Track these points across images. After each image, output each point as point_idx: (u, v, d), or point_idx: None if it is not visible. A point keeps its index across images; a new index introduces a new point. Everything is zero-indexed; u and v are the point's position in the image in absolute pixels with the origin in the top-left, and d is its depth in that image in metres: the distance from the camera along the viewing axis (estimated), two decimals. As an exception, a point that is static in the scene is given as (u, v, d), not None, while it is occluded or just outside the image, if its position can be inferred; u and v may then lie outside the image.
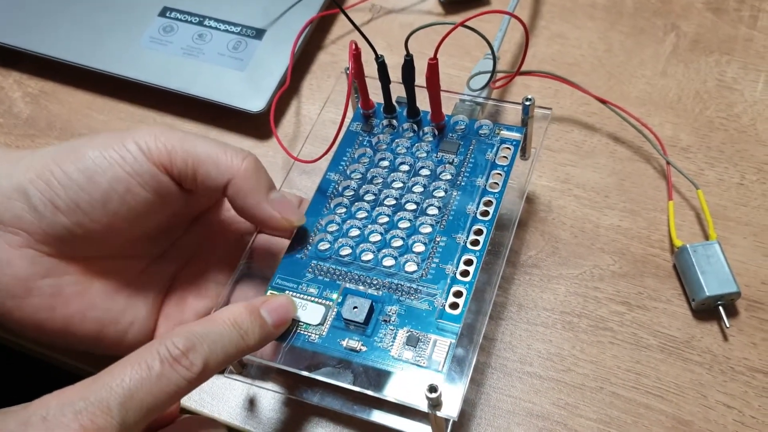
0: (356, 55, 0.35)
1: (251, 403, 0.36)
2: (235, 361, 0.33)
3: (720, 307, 0.37)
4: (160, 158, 0.31)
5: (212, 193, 0.33)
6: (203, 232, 0.37)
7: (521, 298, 0.39)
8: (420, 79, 0.36)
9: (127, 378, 0.26)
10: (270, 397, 0.36)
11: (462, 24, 0.32)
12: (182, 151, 0.32)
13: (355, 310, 0.32)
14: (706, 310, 0.37)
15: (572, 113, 0.45)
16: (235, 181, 0.32)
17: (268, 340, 0.31)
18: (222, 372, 0.34)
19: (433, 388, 0.29)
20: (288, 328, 0.32)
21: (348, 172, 0.37)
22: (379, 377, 0.31)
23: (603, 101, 0.44)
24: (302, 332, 0.32)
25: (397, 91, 0.38)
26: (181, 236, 0.36)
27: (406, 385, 0.30)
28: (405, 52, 0.34)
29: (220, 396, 0.36)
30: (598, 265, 0.39)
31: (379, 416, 0.33)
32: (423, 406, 0.29)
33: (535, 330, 0.38)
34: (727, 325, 0.36)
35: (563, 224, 0.41)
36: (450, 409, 0.29)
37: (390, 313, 0.32)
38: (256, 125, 0.46)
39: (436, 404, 0.29)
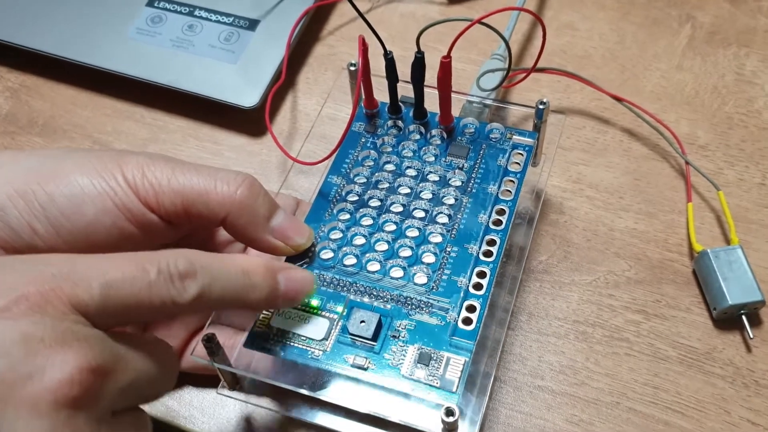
0: (365, 51, 0.33)
1: (247, 422, 0.34)
2: (228, 376, 0.31)
3: (743, 317, 0.35)
4: (147, 198, 0.29)
5: (207, 229, 0.30)
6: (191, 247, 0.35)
7: (531, 307, 0.37)
8: (429, 77, 0.33)
9: (120, 269, 0.24)
10: (266, 415, 0.34)
11: (479, 21, 0.30)
12: (170, 191, 0.29)
13: (363, 324, 0.30)
14: (728, 320, 0.36)
15: (584, 109, 0.43)
16: (230, 216, 0.30)
17: (270, 306, 0.29)
18: (216, 386, 0.32)
19: (450, 412, 0.27)
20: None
21: (351, 175, 0.35)
22: (389, 397, 0.29)
23: (617, 98, 0.42)
24: (304, 347, 0.30)
25: (402, 90, 0.36)
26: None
27: (418, 406, 0.28)
28: (407, 45, 0.32)
29: (211, 413, 0.34)
30: (612, 270, 0.38)
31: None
32: (437, 430, 0.27)
33: (546, 341, 0.36)
34: (751, 336, 0.35)
35: (575, 227, 0.39)
36: (466, 436, 0.27)
37: (399, 328, 0.30)
38: (250, 121, 0.44)
39: (452, 429, 0.27)
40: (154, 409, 0.35)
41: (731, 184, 0.40)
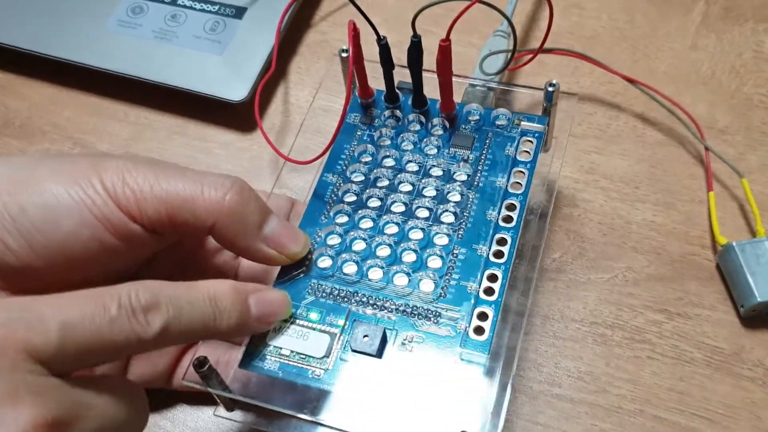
0: (356, 37, 0.30)
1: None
2: (225, 398, 0.29)
3: (773, 314, 0.32)
4: (128, 207, 0.27)
5: (194, 237, 0.28)
6: (178, 257, 0.32)
7: (546, 309, 0.34)
8: (427, 63, 0.31)
9: (78, 308, 0.22)
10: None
11: (479, 0, 0.27)
12: (153, 198, 0.27)
13: (366, 339, 0.27)
14: (757, 317, 0.33)
15: (594, 93, 0.41)
16: (219, 224, 0.27)
17: (243, 332, 0.27)
18: (212, 403, 0.30)
19: (463, 437, 0.24)
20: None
21: (348, 173, 0.32)
22: (398, 418, 0.26)
23: (629, 80, 0.40)
24: (304, 366, 0.27)
25: (399, 76, 0.33)
26: (154, 259, 0.31)
27: (430, 428, 0.26)
28: (404, 29, 0.29)
29: (210, 433, 0.32)
30: (631, 267, 0.35)
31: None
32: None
33: (563, 345, 0.33)
34: (782, 335, 0.32)
35: (590, 221, 0.37)
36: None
37: (406, 341, 0.28)
38: (239, 116, 0.41)
39: (465, 454, 0.25)
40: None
41: (754, 170, 0.37)
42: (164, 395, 0.32)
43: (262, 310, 0.27)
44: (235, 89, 0.40)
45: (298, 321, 0.28)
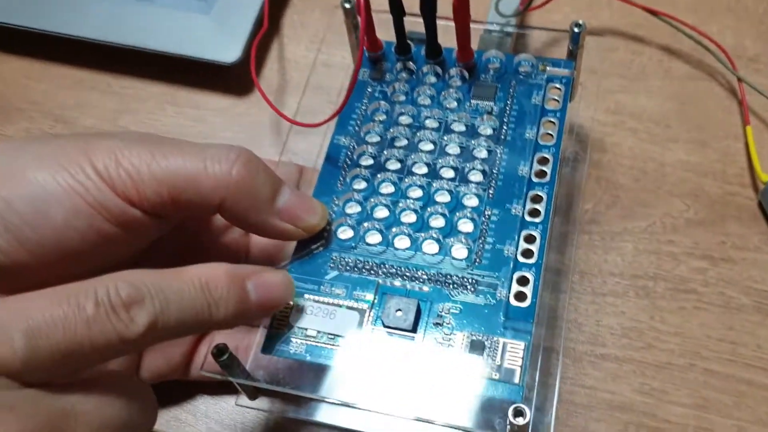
0: (362, -16, 0.27)
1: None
2: (248, 387, 0.27)
3: (824, 253, 0.30)
4: (125, 191, 0.24)
5: (201, 217, 0.25)
6: (182, 239, 0.30)
7: (582, 264, 0.32)
8: (441, 7, 0.28)
9: (45, 310, 0.20)
10: (295, 423, 0.30)
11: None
12: (152, 179, 0.24)
13: (399, 313, 0.25)
14: (806, 257, 0.31)
15: (614, 27, 0.38)
16: (227, 201, 0.25)
17: (242, 322, 0.25)
18: (234, 391, 0.28)
19: (519, 412, 0.22)
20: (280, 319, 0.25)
21: (362, 134, 0.30)
22: (439, 398, 0.24)
23: (650, 11, 0.37)
24: (333, 347, 0.25)
25: (409, 25, 0.30)
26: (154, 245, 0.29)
27: (475, 406, 0.24)
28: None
29: (231, 425, 0.30)
30: (668, 213, 0.33)
31: None
32: (503, 433, 0.23)
33: (603, 302, 0.31)
34: (836, 274, 0.30)
35: (621, 166, 0.34)
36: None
37: (443, 313, 0.25)
38: (234, 79, 0.38)
39: (521, 431, 0.23)
40: (164, 425, 0.30)
41: (790, 99, 0.35)
42: (183, 387, 0.30)
43: (263, 294, 0.24)
44: (227, 50, 0.37)
45: (323, 298, 0.26)
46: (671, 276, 0.31)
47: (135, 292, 0.21)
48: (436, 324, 0.25)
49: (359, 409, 0.25)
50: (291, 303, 0.26)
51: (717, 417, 0.29)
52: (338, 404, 0.25)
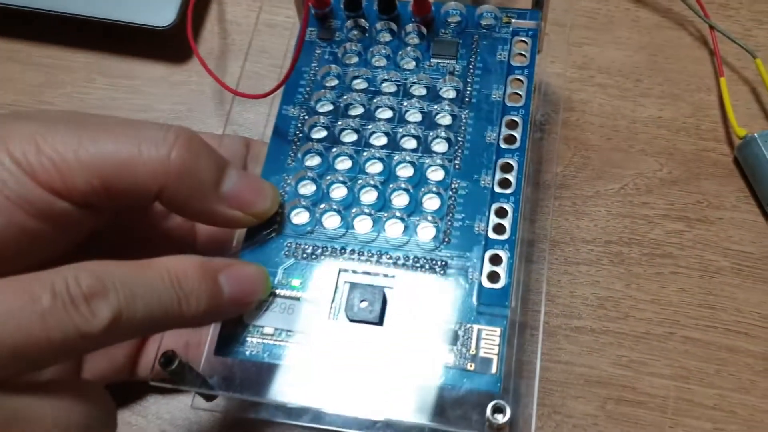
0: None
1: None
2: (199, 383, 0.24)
3: (803, 210, 0.29)
4: (50, 181, 0.21)
5: (138, 207, 0.23)
6: (119, 230, 0.27)
7: (553, 232, 0.30)
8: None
9: None
10: (254, 422, 0.28)
11: None
12: (79, 167, 0.21)
13: (364, 304, 0.23)
14: (784, 214, 0.30)
15: (577, -26, 0.35)
16: (167, 188, 0.22)
17: (215, 318, 0.23)
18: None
19: (498, 409, 0.21)
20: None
21: (312, 102, 0.27)
22: (411, 395, 0.22)
23: (617, -46, 0.34)
24: (293, 344, 0.23)
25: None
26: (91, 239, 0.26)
27: (452, 401, 0.22)
28: None
29: (186, 425, 0.28)
30: (641, 173, 0.31)
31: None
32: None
33: (576, 271, 0.30)
34: (816, 232, 0.29)
35: (590, 125, 0.32)
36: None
37: (410, 301, 0.23)
38: (170, 44, 0.35)
39: (500, 428, 0.21)
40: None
41: (762, 47, 0.33)
42: (131, 386, 0.28)
43: (237, 289, 0.22)
44: (160, 12, 0.33)
45: (278, 291, 0.24)
46: (646, 240, 0.30)
47: (97, 283, 0.19)
48: (404, 313, 0.23)
49: (326, 412, 0.23)
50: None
51: (698, 387, 0.28)
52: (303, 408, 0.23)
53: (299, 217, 0.25)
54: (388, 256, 0.24)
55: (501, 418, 0.20)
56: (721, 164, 0.31)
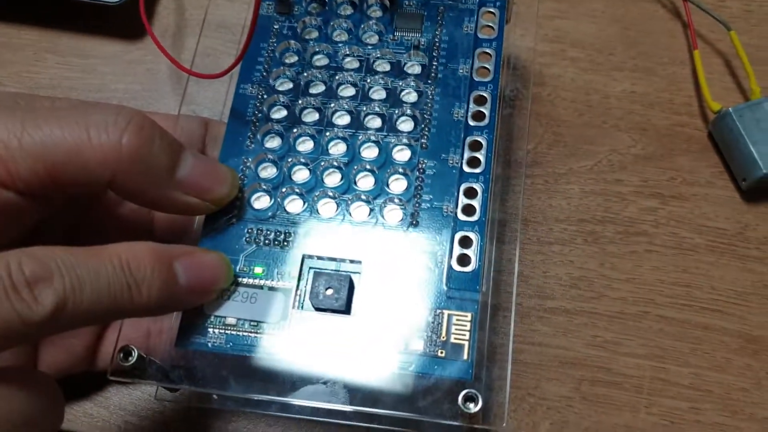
0: None
1: (198, 422, 0.26)
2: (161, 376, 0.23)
3: (777, 184, 0.29)
4: None
5: (89, 196, 0.22)
6: (71, 218, 0.25)
7: (524, 211, 0.29)
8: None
9: None
10: (222, 412, 0.27)
11: None
12: (24, 155, 0.20)
13: (330, 292, 0.22)
14: (758, 190, 0.29)
15: (547, -57, 0.34)
16: (119, 176, 0.21)
17: (170, 308, 0.22)
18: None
19: (470, 398, 0.20)
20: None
21: (271, 80, 0.26)
22: (380, 385, 0.22)
23: None
24: (257, 335, 0.22)
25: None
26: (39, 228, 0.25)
27: (422, 390, 0.21)
28: None
29: (150, 416, 0.27)
30: (615, 149, 0.30)
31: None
32: (455, 421, 0.21)
33: (549, 251, 0.29)
34: (791, 206, 0.29)
35: (563, 100, 0.31)
36: (498, 417, 0.21)
37: (378, 287, 0.22)
38: (123, 20, 0.33)
39: (473, 417, 0.20)
40: (73, 423, 0.27)
41: (736, 19, 0.32)
42: (92, 377, 0.26)
43: (195, 277, 0.21)
44: (110, -14, 0.32)
45: (240, 279, 0.23)
46: (620, 218, 0.29)
47: (41, 268, 0.18)
48: (372, 301, 0.22)
49: (294, 404, 0.22)
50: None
51: (673, 366, 0.27)
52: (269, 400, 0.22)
53: (260, 201, 0.24)
54: (354, 241, 0.23)
55: (473, 407, 0.20)
56: (695, 139, 0.30)
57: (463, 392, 0.20)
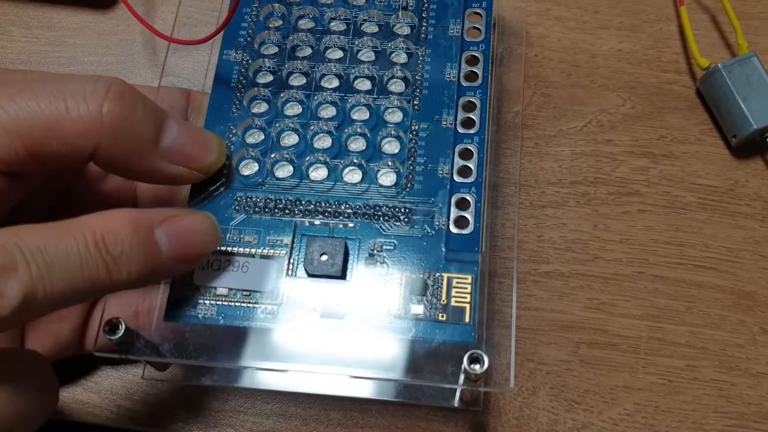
0: None
1: (192, 402, 0.26)
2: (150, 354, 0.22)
3: (767, 140, 0.28)
4: None
5: (71, 170, 0.21)
6: (53, 195, 0.24)
7: (516, 175, 0.29)
8: None
9: None
10: (215, 390, 0.26)
11: None
12: (1, 132, 0.19)
13: (325, 257, 0.21)
14: (748, 146, 0.29)
15: None
16: (101, 147, 0.20)
17: (155, 279, 0.21)
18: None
19: (475, 359, 0.19)
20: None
21: (256, 45, 0.25)
22: (381, 351, 0.21)
23: None
24: (250, 305, 0.21)
25: None
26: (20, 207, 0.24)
27: (424, 354, 0.21)
28: None
29: (143, 399, 0.26)
30: (604, 108, 0.30)
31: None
32: (460, 385, 0.20)
33: (542, 214, 0.28)
34: (780, 161, 0.29)
35: (550, 60, 0.31)
36: (501, 382, 0.20)
37: (375, 252, 0.22)
38: (93, -11, 0.32)
39: (478, 379, 0.20)
40: (64, 409, 0.26)
41: (721, -27, 0.32)
42: (81, 361, 0.26)
43: (179, 245, 0.20)
44: (78, -47, 0.30)
45: (230, 248, 0.22)
46: (612, 179, 0.29)
47: (4, 258, 0.17)
48: (369, 265, 0.22)
49: (290, 372, 0.21)
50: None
51: (669, 325, 0.27)
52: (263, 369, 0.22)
53: (248, 168, 0.23)
54: (347, 206, 0.22)
55: (479, 369, 0.19)
56: (683, 97, 0.30)
57: (468, 353, 0.19)
